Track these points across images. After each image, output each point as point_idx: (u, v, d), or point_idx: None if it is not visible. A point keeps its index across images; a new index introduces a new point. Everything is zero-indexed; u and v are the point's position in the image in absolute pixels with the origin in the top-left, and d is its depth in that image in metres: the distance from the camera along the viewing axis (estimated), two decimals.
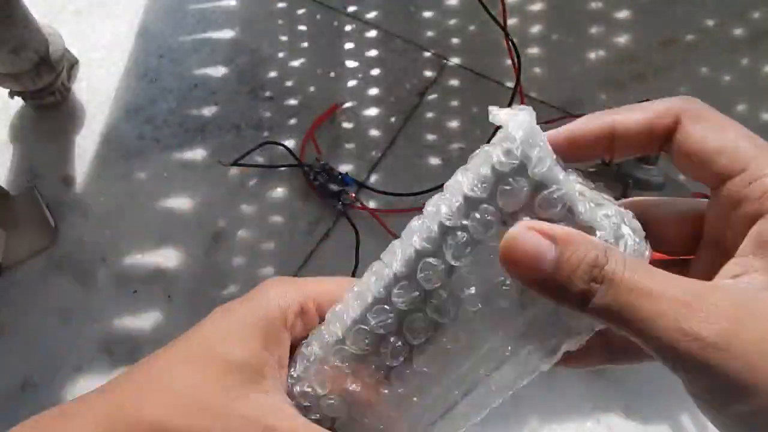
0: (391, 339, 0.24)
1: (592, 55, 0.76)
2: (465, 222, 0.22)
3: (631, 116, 0.22)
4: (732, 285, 0.19)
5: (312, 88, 0.76)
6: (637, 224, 0.23)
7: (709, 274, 0.21)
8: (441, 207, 0.22)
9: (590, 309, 0.19)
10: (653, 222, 0.23)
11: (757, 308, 0.18)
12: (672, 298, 0.18)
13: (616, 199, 0.24)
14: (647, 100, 0.57)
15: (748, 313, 0.18)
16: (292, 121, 0.74)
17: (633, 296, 0.19)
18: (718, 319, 0.18)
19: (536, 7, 0.80)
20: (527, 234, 0.20)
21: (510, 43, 0.66)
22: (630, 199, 0.25)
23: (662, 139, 0.22)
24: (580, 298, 0.19)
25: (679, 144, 0.22)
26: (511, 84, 0.74)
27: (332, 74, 0.77)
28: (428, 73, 0.76)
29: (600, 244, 0.20)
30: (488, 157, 0.21)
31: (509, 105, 0.65)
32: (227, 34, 0.80)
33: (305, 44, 0.79)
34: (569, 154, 0.23)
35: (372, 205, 0.68)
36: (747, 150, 0.20)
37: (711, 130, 0.21)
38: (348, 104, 0.74)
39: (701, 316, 0.18)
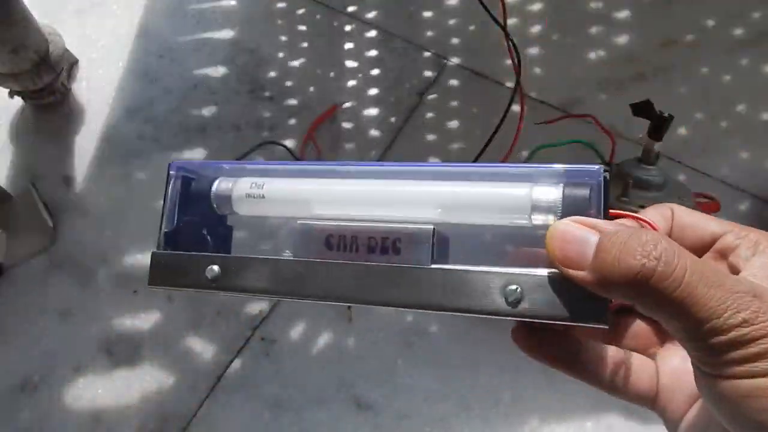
0: None
1: (592, 55, 0.76)
2: None
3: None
4: None
5: (312, 88, 0.76)
6: None
7: None
8: None
9: (650, 287, 0.20)
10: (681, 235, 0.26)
11: None
12: (739, 292, 0.20)
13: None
14: (647, 99, 0.57)
15: None
16: (292, 121, 0.74)
17: (702, 283, 0.20)
18: None
19: (536, 7, 0.80)
20: (571, 224, 0.22)
21: (510, 43, 0.66)
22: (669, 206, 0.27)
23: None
24: (637, 277, 0.20)
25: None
26: (511, 84, 0.74)
27: (332, 74, 0.77)
28: (428, 73, 0.76)
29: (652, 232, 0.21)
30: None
31: (509, 105, 0.65)
32: (227, 34, 0.80)
33: (305, 44, 0.79)
34: None
35: None
36: (722, 224, 0.25)
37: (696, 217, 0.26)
38: (348, 104, 0.74)
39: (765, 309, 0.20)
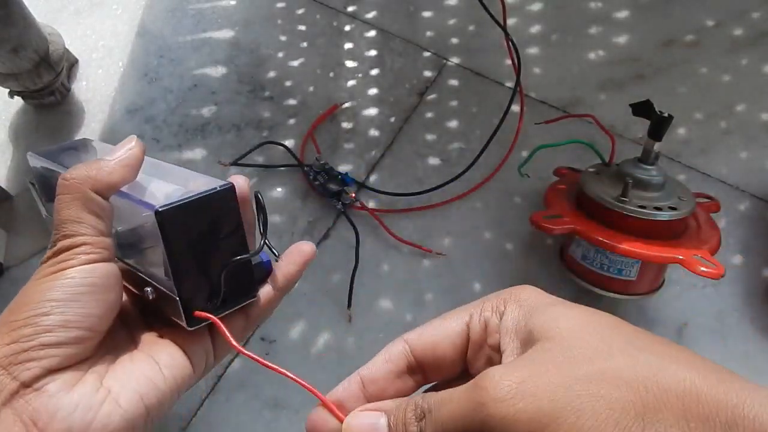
0: None
1: (592, 55, 0.76)
2: None
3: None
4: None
5: (312, 88, 0.76)
6: None
7: None
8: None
9: None
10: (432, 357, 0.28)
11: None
12: (467, 388, 0.23)
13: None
14: (647, 100, 0.57)
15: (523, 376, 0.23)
16: (292, 121, 0.74)
17: (443, 407, 0.23)
18: (502, 381, 0.22)
19: (536, 7, 0.80)
20: (360, 414, 0.26)
21: (510, 43, 0.66)
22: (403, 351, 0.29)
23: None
24: None
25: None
26: (511, 84, 0.74)
27: (332, 74, 0.77)
28: (428, 73, 0.76)
29: (415, 398, 0.25)
30: None
31: (509, 105, 0.65)
32: (227, 34, 0.80)
33: (305, 44, 0.79)
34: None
35: (372, 204, 0.68)
36: (457, 316, 0.28)
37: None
38: (348, 104, 0.74)
39: (488, 388, 0.22)
